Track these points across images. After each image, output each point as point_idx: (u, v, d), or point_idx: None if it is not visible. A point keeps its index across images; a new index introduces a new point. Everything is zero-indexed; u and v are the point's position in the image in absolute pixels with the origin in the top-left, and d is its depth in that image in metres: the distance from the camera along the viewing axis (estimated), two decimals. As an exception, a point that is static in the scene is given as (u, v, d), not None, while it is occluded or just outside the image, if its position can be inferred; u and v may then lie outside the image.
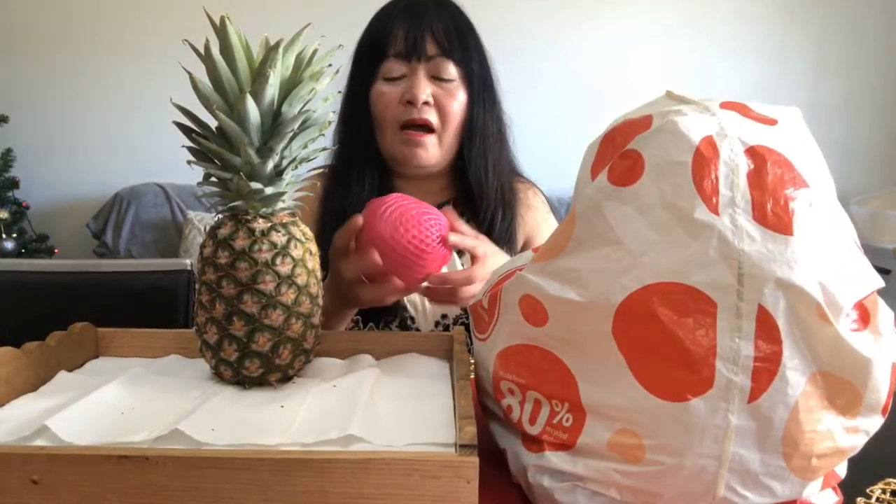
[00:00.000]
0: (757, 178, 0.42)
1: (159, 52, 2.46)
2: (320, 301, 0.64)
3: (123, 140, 2.75)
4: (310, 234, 0.64)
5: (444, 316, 1.02)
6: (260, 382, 0.60)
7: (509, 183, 1.07)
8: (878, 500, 0.52)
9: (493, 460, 0.52)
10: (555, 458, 0.46)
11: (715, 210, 0.41)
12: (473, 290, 0.78)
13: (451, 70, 0.98)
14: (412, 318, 1.01)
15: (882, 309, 0.45)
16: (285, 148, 0.60)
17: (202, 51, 0.57)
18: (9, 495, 0.42)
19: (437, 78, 0.98)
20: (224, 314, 0.58)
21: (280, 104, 0.59)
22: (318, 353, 0.67)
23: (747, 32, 2.78)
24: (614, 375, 0.42)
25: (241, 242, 0.58)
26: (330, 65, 0.63)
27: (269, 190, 0.60)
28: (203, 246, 0.60)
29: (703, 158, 0.42)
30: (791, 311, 0.40)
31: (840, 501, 0.49)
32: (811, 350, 0.41)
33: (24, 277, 1.19)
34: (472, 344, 0.59)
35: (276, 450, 0.46)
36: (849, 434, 0.43)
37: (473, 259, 0.80)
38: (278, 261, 0.59)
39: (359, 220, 0.75)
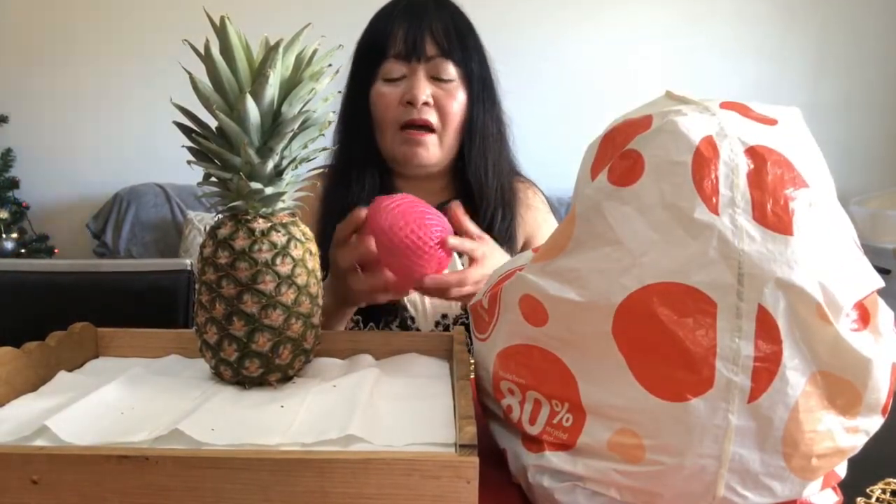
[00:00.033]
0: (757, 178, 0.42)
1: (159, 52, 2.46)
2: (320, 301, 0.64)
3: (123, 140, 2.75)
4: (310, 234, 0.64)
5: (444, 316, 1.02)
6: (260, 382, 0.60)
7: (509, 183, 1.07)
8: (878, 500, 0.52)
9: (493, 460, 0.52)
10: (555, 458, 0.46)
11: (715, 210, 0.41)
12: (465, 291, 0.78)
13: (451, 70, 0.98)
14: (412, 318, 1.01)
15: (882, 309, 0.45)
16: (285, 148, 0.60)
17: (202, 51, 0.57)
18: (9, 495, 0.42)
19: (436, 78, 0.98)
20: (224, 314, 0.58)
21: (280, 104, 0.59)
22: (318, 353, 0.67)
23: (747, 32, 2.78)
24: (614, 375, 0.42)
25: (241, 242, 0.58)
26: (330, 65, 0.63)
27: (269, 190, 0.60)
28: (203, 246, 0.60)
29: (703, 158, 0.42)
30: (791, 311, 0.40)
31: (840, 501, 0.49)
32: (811, 350, 0.41)
33: (24, 277, 1.19)
34: (472, 344, 0.59)
35: (276, 450, 0.46)
36: (849, 434, 0.43)
37: (471, 261, 0.80)
38: (278, 261, 0.59)
39: (362, 212, 0.76)
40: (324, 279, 0.69)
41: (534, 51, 2.74)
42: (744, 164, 0.42)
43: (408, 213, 0.74)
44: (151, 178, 2.65)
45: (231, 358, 0.59)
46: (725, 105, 0.46)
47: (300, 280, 0.60)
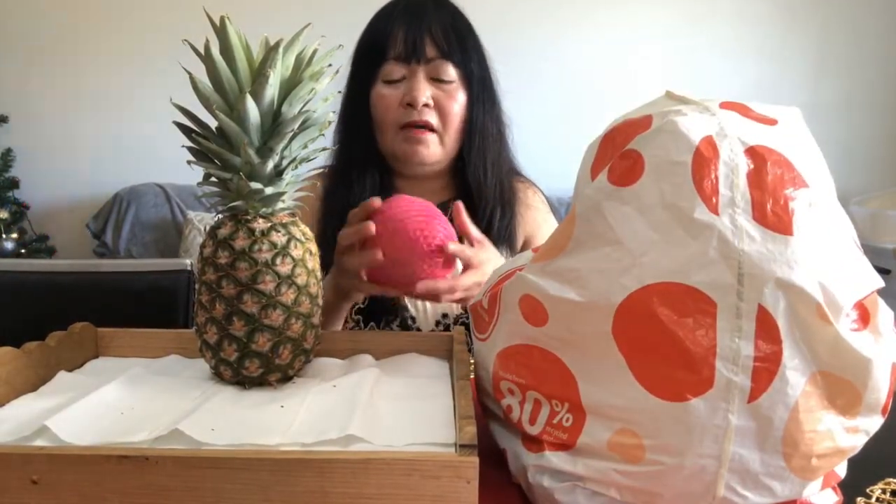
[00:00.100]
0: (757, 178, 0.42)
1: (159, 52, 2.46)
2: (320, 301, 0.64)
3: (123, 140, 2.75)
4: (310, 234, 0.64)
5: (444, 315, 1.02)
6: (260, 382, 0.60)
7: (508, 182, 1.07)
8: (878, 500, 0.52)
9: (493, 460, 0.52)
10: (555, 458, 0.46)
11: (715, 210, 0.41)
12: (457, 297, 0.79)
13: (451, 72, 0.98)
14: (413, 318, 1.01)
15: (882, 309, 0.45)
16: (285, 148, 0.60)
17: (202, 51, 0.57)
18: (9, 495, 0.42)
19: (436, 80, 0.98)
20: (224, 314, 0.58)
21: (280, 104, 0.59)
22: (318, 353, 0.67)
23: (748, 32, 2.78)
24: (614, 375, 0.42)
25: (241, 242, 0.58)
26: (330, 65, 0.63)
27: (269, 190, 0.60)
28: (203, 246, 0.60)
29: (703, 158, 0.42)
30: (791, 311, 0.40)
31: (840, 501, 0.49)
32: (811, 350, 0.41)
33: (24, 277, 1.19)
34: (472, 344, 0.59)
35: (276, 450, 0.46)
36: (849, 434, 0.43)
37: (466, 266, 0.80)
38: (278, 261, 0.59)
39: (377, 200, 0.76)
40: (324, 279, 0.69)
41: (534, 51, 2.74)
42: (744, 164, 0.42)
43: (424, 210, 0.76)
44: (151, 178, 2.64)
45: (231, 358, 0.59)
46: (725, 105, 0.46)
47: (300, 280, 0.60)
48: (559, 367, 0.46)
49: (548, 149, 2.27)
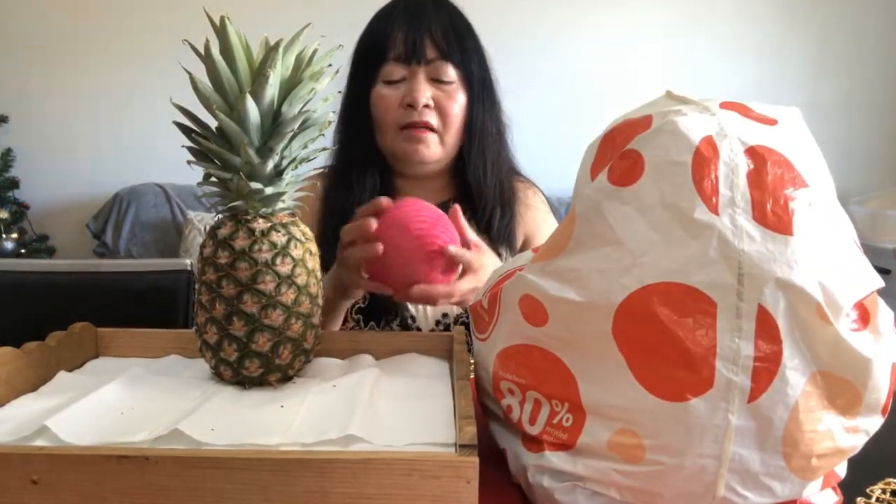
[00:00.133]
0: (757, 178, 0.42)
1: (159, 52, 2.46)
2: (320, 301, 0.64)
3: (123, 140, 2.75)
4: (310, 234, 0.64)
5: (444, 315, 1.02)
6: (260, 382, 0.60)
7: (508, 182, 1.07)
8: (878, 500, 0.52)
9: (493, 460, 0.52)
10: (555, 458, 0.46)
11: (715, 210, 0.41)
12: (454, 301, 0.79)
13: (451, 72, 0.98)
14: (413, 318, 1.01)
15: (882, 309, 0.45)
16: (285, 148, 0.61)
17: (202, 51, 0.57)
18: (9, 495, 0.42)
19: (436, 80, 0.98)
20: (224, 314, 0.58)
21: (280, 104, 0.59)
22: (318, 353, 0.67)
23: (747, 32, 2.78)
24: (614, 375, 0.42)
25: (241, 242, 0.58)
26: (330, 65, 0.63)
27: (269, 190, 0.60)
28: (203, 246, 0.60)
29: (703, 158, 0.42)
30: (791, 311, 0.40)
31: (840, 501, 0.49)
32: (811, 350, 0.41)
33: (24, 277, 1.19)
34: (472, 344, 0.59)
35: (276, 450, 0.46)
36: (849, 434, 0.43)
37: (465, 270, 0.80)
38: (278, 261, 0.59)
39: (386, 200, 0.77)
40: (323, 279, 0.69)
41: (534, 51, 2.74)
42: (744, 164, 0.42)
43: (429, 215, 0.76)
44: (151, 178, 2.65)
45: (231, 358, 0.59)
46: (725, 105, 0.46)
47: (300, 280, 0.60)
48: (559, 367, 0.46)
49: (548, 149, 2.28)
